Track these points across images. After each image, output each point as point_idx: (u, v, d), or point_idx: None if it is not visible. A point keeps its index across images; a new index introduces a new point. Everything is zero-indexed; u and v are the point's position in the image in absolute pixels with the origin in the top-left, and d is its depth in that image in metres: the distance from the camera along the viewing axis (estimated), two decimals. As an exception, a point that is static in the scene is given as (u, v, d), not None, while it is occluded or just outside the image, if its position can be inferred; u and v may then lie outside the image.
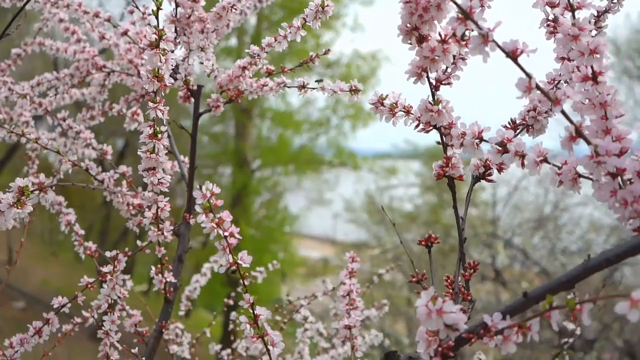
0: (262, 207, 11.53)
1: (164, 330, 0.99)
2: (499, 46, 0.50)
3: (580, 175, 0.55)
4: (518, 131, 0.69)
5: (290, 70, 0.99)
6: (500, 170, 0.68)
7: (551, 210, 7.23)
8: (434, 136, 0.68)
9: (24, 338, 0.89)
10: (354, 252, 0.97)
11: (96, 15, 1.09)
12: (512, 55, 0.50)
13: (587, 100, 0.56)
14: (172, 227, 0.92)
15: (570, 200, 7.27)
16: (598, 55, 0.53)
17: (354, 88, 0.83)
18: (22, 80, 1.26)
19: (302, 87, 0.95)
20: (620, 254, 0.49)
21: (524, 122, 0.69)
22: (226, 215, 0.63)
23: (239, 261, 0.63)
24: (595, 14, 0.74)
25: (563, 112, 0.51)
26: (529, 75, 0.50)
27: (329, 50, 1.00)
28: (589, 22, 0.72)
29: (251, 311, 0.65)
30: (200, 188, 0.61)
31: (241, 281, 0.64)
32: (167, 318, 1.00)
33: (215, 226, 0.62)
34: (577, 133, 0.52)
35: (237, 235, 0.63)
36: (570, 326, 1.07)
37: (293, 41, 1.03)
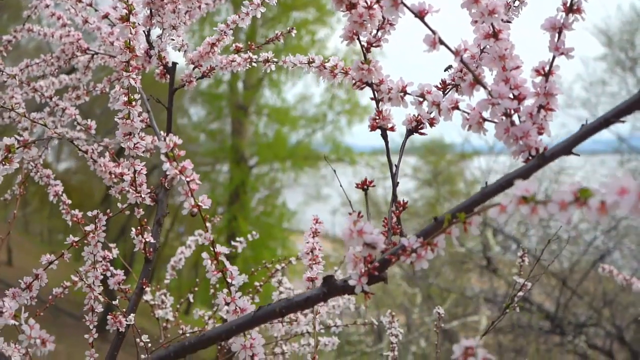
0: (260, 204, 11.62)
1: (144, 287, 1.08)
2: (407, 7, 0.59)
3: (484, 119, 0.64)
4: (448, 90, 0.78)
5: (257, 47, 1.08)
6: (431, 124, 0.77)
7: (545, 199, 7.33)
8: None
9: (15, 292, 0.98)
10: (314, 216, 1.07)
11: (79, 0, 1.17)
12: (420, 15, 0.59)
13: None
14: (149, 190, 1.01)
15: (559, 186, 7.39)
16: (496, 15, 0.62)
17: (310, 60, 0.92)
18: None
19: (267, 61, 1.04)
20: (511, 179, 0.58)
21: (452, 82, 0.78)
22: (188, 164, 0.72)
23: (200, 203, 0.72)
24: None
25: (462, 62, 0.60)
26: (433, 32, 0.59)
27: (292, 28, 1.09)
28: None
29: (212, 249, 0.74)
30: (165, 140, 0.70)
31: (203, 222, 0.73)
32: (147, 276, 1.09)
33: (178, 172, 0.71)
34: (476, 80, 0.61)
35: (198, 181, 0.72)
36: (520, 280, 1.16)
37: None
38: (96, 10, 1.17)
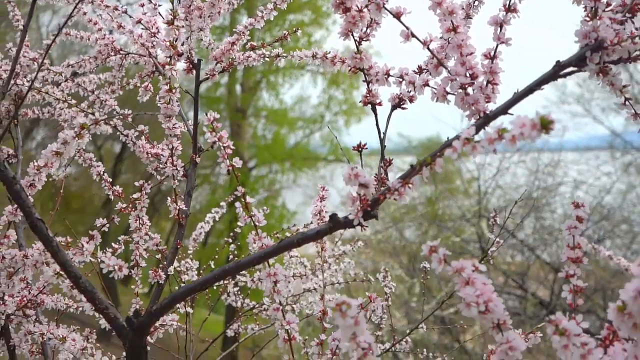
0: (260, 205, 11.81)
1: (178, 247, 1.29)
2: (387, 10, 0.80)
3: (447, 92, 0.85)
4: (424, 73, 0.99)
5: (268, 45, 1.30)
6: (411, 101, 0.98)
7: (541, 193, 7.60)
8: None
9: (76, 252, 1.19)
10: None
11: (115, 8, 1.39)
12: (397, 15, 0.81)
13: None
14: (183, 165, 1.22)
15: (554, 180, 7.66)
16: (455, 15, 0.83)
17: (314, 54, 1.13)
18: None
19: (277, 56, 1.25)
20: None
21: (426, 67, 0.99)
22: (224, 133, 0.93)
23: (234, 163, 0.93)
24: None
25: (429, 49, 0.81)
26: (407, 28, 0.81)
27: (298, 29, 1.31)
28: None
29: (243, 200, 0.95)
30: (206, 114, 0.92)
31: (235, 178, 0.95)
32: (181, 238, 1.30)
33: (217, 140, 0.92)
34: (439, 63, 0.83)
35: (232, 147, 0.93)
36: (491, 236, 1.37)
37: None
38: (130, 17, 1.38)
